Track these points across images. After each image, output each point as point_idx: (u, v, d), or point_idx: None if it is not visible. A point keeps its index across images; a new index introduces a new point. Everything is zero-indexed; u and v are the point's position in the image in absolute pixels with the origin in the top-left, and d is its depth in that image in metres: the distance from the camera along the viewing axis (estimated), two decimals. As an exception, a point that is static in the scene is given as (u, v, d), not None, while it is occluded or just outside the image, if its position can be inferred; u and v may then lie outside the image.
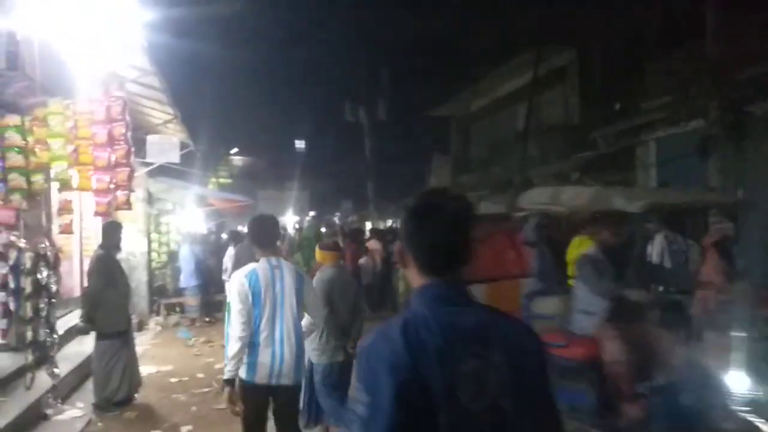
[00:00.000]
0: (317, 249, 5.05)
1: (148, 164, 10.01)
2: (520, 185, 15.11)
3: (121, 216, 10.46)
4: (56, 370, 5.52)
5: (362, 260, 11.10)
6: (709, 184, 9.33)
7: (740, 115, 8.26)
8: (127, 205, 6.34)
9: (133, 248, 10.27)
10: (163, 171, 11.09)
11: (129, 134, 6.32)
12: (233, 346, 3.49)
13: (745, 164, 8.88)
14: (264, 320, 3.54)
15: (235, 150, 25.08)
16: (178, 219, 11.68)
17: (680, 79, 10.07)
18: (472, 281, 1.68)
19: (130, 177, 6.30)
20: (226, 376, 3.52)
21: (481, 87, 21.00)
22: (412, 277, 1.57)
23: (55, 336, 5.59)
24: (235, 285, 3.59)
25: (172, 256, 11.40)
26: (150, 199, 10.99)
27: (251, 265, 3.67)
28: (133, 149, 6.55)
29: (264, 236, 3.30)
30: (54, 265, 5.52)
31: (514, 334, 1.48)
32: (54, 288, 5.51)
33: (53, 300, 5.51)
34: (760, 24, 9.30)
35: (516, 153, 18.20)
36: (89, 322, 5.65)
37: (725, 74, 8.75)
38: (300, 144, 39.15)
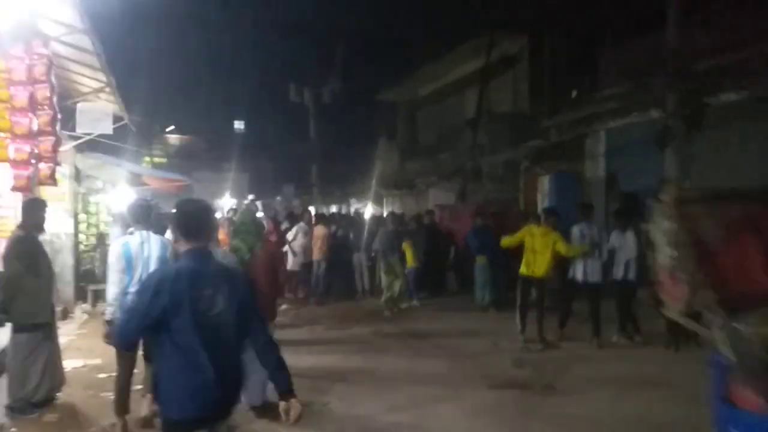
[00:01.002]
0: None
1: (76, 138, 9.09)
2: (470, 173, 15.00)
3: (45, 193, 9.59)
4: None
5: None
6: (662, 174, 9.32)
7: (698, 106, 8.24)
8: (52, 180, 5.60)
9: (58, 229, 9.35)
10: (93, 146, 10.13)
11: (55, 99, 5.54)
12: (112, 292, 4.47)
13: (693, 156, 8.93)
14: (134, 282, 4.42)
15: (171, 127, 23.76)
16: (109, 198, 10.75)
17: (636, 69, 10.04)
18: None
19: (55, 148, 5.55)
20: (107, 318, 4.54)
21: (429, 72, 20.64)
22: (180, 247, 2.76)
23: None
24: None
25: (102, 238, 10.50)
26: (78, 176, 10.04)
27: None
28: (59, 116, 5.77)
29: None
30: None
31: (231, 276, 2.79)
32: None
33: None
34: (719, 14, 9.35)
35: (465, 140, 18.11)
36: (4, 313, 4.91)
37: (683, 65, 8.73)
38: (239, 125, 37.88)
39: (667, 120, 8.63)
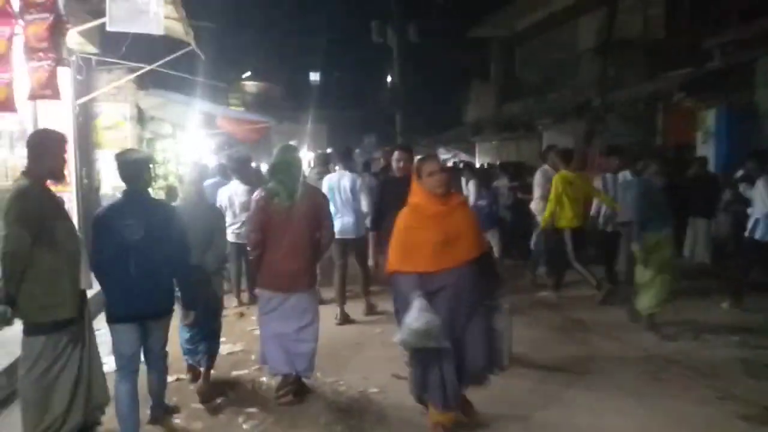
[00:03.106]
0: None
1: (134, 69, 7.40)
2: (601, 109, 12.43)
3: (103, 138, 8.02)
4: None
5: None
6: None
7: None
8: (51, 89, 3.78)
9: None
10: (157, 81, 8.47)
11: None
12: None
13: None
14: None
15: (248, 73, 22.11)
16: (180, 145, 9.12)
17: None
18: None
19: (54, 31, 3.65)
20: None
21: (529, 1, 17.84)
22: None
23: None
24: None
25: (172, 192, 8.90)
26: (142, 118, 8.41)
27: None
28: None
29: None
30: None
31: (155, 207, 3.62)
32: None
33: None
34: None
35: (583, 75, 15.40)
36: (9, 304, 3.21)
37: None
38: (315, 76, 36.04)
39: None
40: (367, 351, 5.40)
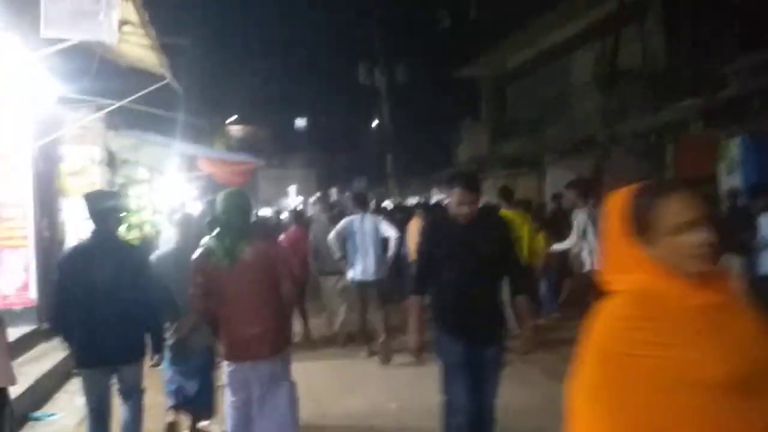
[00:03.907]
0: None
1: (102, 106, 6.59)
2: (606, 142, 11.79)
3: (68, 186, 7.15)
4: None
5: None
6: None
7: None
8: None
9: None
10: (130, 120, 7.65)
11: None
12: None
13: None
14: None
15: (233, 117, 21.36)
16: (156, 190, 8.23)
17: None
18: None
19: None
20: None
21: (519, 40, 17.49)
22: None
23: None
24: None
25: (148, 243, 7.97)
26: (112, 161, 7.55)
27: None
28: None
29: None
30: None
31: (125, 249, 3.73)
32: None
33: None
34: None
35: (581, 109, 14.88)
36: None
37: None
38: (301, 122, 35.62)
39: None
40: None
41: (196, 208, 9.24)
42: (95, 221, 3.49)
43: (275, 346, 3.58)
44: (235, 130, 20.68)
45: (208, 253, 3.48)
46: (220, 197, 3.58)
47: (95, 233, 3.47)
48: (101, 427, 3.44)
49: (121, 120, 7.40)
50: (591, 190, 6.86)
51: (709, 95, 9.61)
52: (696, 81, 10.50)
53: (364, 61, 22.33)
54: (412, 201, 23.04)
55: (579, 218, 6.48)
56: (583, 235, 6.46)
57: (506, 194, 7.49)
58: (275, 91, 26.58)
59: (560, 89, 16.60)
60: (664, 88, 11.79)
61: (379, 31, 21.75)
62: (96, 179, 7.20)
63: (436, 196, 22.28)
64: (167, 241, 5.89)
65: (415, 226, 9.05)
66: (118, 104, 6.50)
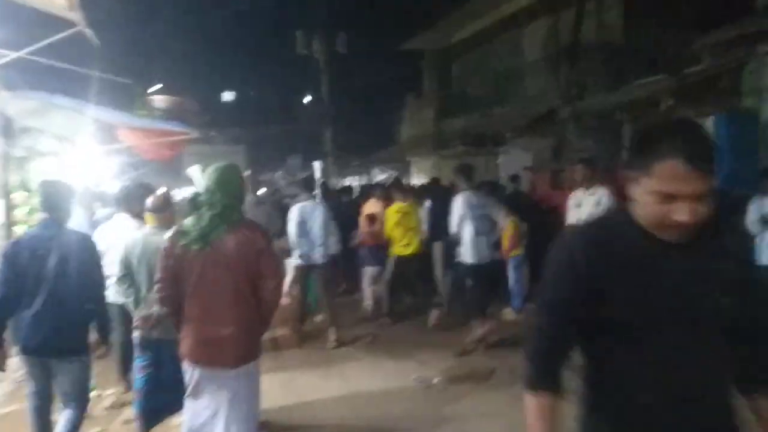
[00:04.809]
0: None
1: (-9, 53, 5.18)
2: (567, 120, 11.16)
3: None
4: None
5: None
6: None
7: None
8: None
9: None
10: (34, 79, 6.20)
11: None
12: None
13: None
14: None
15: (158, 86, 19.39)
16: (66, 165, 6.77)
17: None
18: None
19: None
20: None
21: (467, 12, 16.68)
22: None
23: None
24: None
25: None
26: (9, 130, 6.08)
27: None
28: None
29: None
30: None
31: (72, 241, 3.45)
32: None
33: None
34: None
35: (532, 86, 14.26)
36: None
37: None
38: (230, 95, 33.59)
39: None
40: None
41: (114, 187, 7.81)
42: (47, 210, 3.53)
43: (241, 354, 3.08)
44: (159, 100, 18.82)
45: (179, 234, 3.09)
46: (207, 171, 3.15)
47: (44, 222, 3.52)
48: (36, 416, 3.52)
49: (21, 79, 5.93)
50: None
51: (680, 71, 9.09)
52: (662, 56, 10.03)
53: (303, 29, 20.85)
54: (351, 181, 22.03)
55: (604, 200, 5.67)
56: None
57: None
58: (202, 59, 24.70)
59: (510, 64, 15.98)
60: (625, 64, 11.32)
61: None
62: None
63: (378, 176, 21.37)
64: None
65: (372, 208, 8.13)
66: (14, 55, 5.09)
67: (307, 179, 7.49)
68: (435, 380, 5.18)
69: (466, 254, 5.96)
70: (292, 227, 6.55)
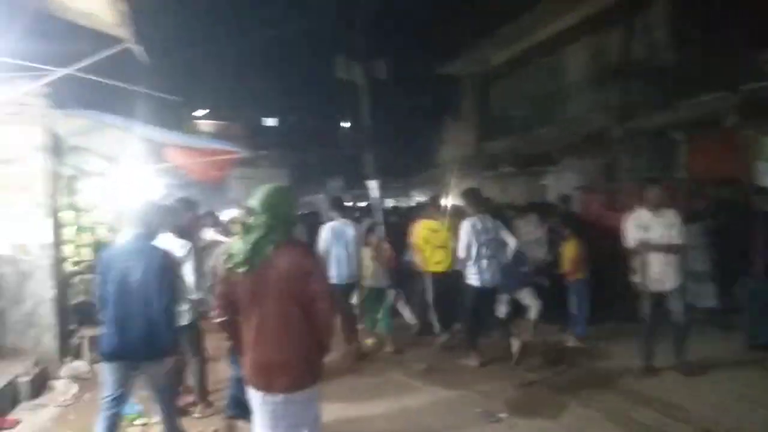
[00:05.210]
0: None
1: (43, 70, 5.22)
2: (621, 140, 10.78)
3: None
4: None
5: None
6: None
7: None
8: None
9: (24, 238, 5.52)
10: (81, 97, 6.25)
11: None
12: None
13: None
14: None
15: (204, 111, 19.68)
16: (113, 185, 6.80)
17: None
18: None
19: None
20: None
21: (507, 35, 16.51)
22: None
23: None
24: None
25: (102, 248, 6.55)
26: (58, 149, 6.14)
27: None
28: None
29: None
30: None
31: (150, 252, 3.81)
32: None
33: None
34: None
35: (579, 106, 13.91)
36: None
37: None
38: (273, 122, 34.11)
39: None
40: None
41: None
42: (141, 226, 3.90)
43: (299, 379, 2.97)
44: (205, 125, 19.06)
45: (228, 257, 3.06)
46: (257, 192, 3.07)
47: (135, 236, 3.88)
48: (108, 421, 3.73)
49: (70, 96, 5.98)
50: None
51: (744, 88, 8.64)
52: (720, 73, 9.59)
53: (343, 55, 21.01)
54: (390, 203, 21.90)
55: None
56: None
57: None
58: (245, 85, 25.04)
59: (552, 86, 15.69)
60: (675, 83, 10.91)
61: (360, 23, 20.49)
62: (36, 170, 5.78)
63: (416, 198, 21.22)
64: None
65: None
66: (62, 72, 5.10)
67: (336, 199, 7.51)
68: (502, 415, 4.88)
69: (472, 277, 6.10)
70: (321, 246, 6.56)
